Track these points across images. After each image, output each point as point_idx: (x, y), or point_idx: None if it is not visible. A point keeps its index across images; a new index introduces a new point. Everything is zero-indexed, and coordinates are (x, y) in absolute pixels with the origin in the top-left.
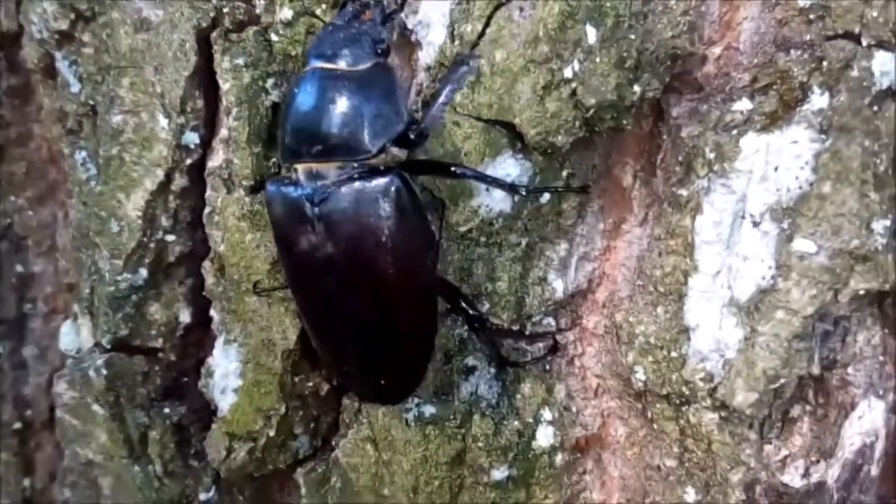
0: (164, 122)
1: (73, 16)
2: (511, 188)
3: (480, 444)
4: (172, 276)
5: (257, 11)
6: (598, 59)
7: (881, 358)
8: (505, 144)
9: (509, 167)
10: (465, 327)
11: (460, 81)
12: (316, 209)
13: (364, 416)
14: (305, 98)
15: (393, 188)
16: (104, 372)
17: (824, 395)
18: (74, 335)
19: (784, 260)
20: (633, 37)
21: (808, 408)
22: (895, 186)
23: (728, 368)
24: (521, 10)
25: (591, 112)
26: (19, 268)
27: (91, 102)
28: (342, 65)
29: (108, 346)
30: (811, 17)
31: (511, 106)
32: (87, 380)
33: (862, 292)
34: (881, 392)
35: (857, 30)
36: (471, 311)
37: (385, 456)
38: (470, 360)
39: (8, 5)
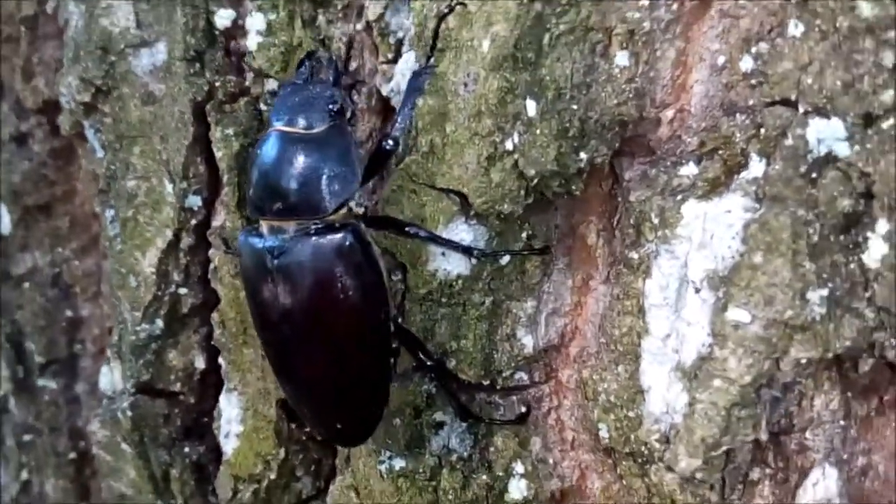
0: (169, 186)
1: (93, 89)
2: (466, 251)
3: (450, 497)
4: (187, 325)
5: (247, 83)
6: (537, 131)
7: (842, 422)
8: (457, 212)
9: (462, 233)
10: (433, 383)
11: (420, 90)
12: (275, 261)
13: (350, 464)
14: (266, 160)
15: (346, 243)
16: (129, 413)
17: (783, 459)
18: (111, 376)
19: (719, 329)
20: (575, 107)
21: (768, 471)
22: (835, 254)
23: (674, 433)
24: (466, 85)
25: (535, 181)
26: (69, 312)
27: (112, 167)
28: (299, 128)
29: (133, 390)
30: (753, 82)
31: (461, 176)
32: (116, 420)
33: (804, 361)
34: (845, 457)
35: (793, 97)
36: (429, 363)
37: None
38: (438, 416)
39: (49, 75)
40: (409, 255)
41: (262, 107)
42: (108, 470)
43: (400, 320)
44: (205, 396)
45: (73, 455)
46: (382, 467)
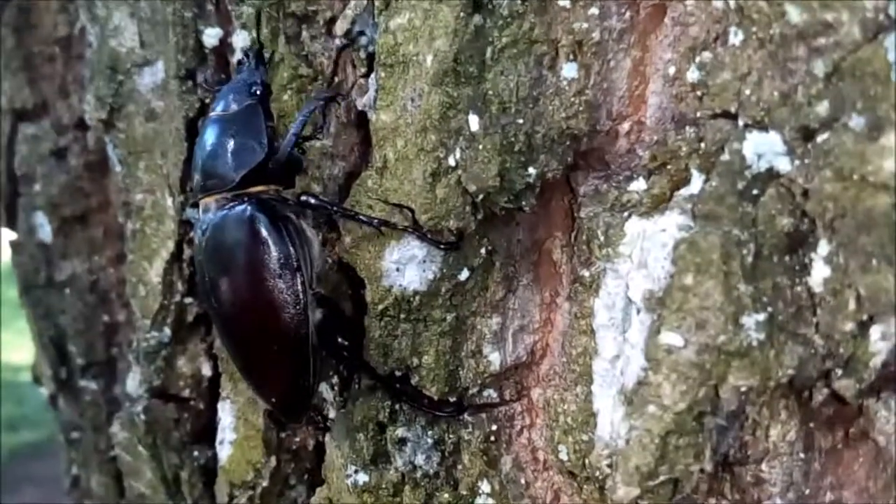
0: (170, 200)
1: (108, 107)
2: (366, 222)
3: None
4: (194, 333)
5: None
6: (480, 147)
7: (802, 455)
8: (408, 227)
9: (414, 249)
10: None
11: (308, 115)
12: (203, 237)
13: (327, 476)
14: (198, 143)
15: (246, 214)
16: (143, 417)
17: (739, 492)
18: (134, 380)
19: (653, 353)
20: (521, 121)
21: (724, 502)
22: (778, 276)
23: (615, 460)
24: (413, 100)
25: (479, 197)
26: (105, 317)
27: (126, 181)
28: (223, 110)
29: (147, 395)
30: (699, 93)
31: (410, 191)
32: (133, 423)
33: (744, 388)
34: (808, 491)
35: (734, 109)
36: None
37: None
38: (401, 432)
39: (82, 93)
40: (365, 270)
41: None
42: (129, 469)
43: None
44: (213, 402)
45: (112, 453)
46: (349, 481)
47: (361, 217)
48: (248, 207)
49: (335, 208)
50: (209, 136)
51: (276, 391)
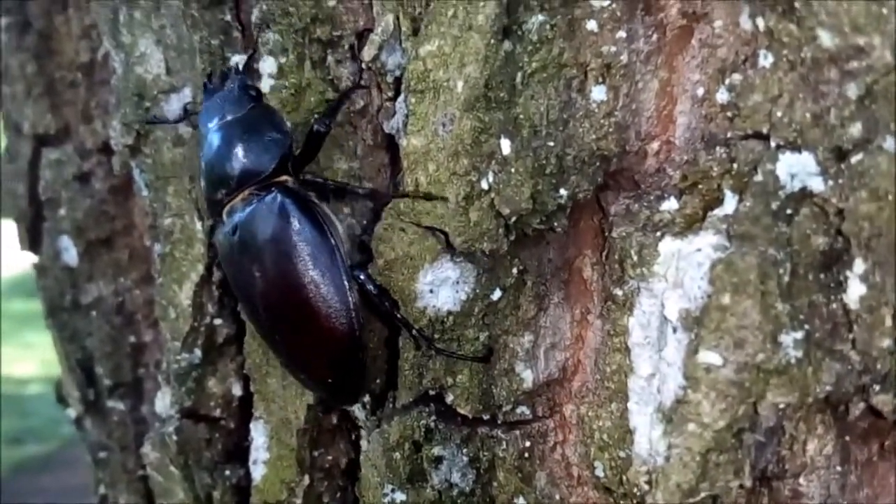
0: (199, 224)
1: (135, 133)
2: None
3: None
4: (224, 354)
5: None
6: (512, 170)
7: (839, 468)
8: (441, 250)
9: (448, 270)
10: (433, 418)
11: (349, 95)
12: (234, 238)
13: (363, 495)
14: (209, 153)
15: (278, 201)
16: (175, 437)
17: None
18: (164, 401)
19: (691, 372)
20: (552, 144)
21: None
22: (814, 294)
23: (655, 477)
24: (444, 125)
25: (512, 219)
26: (132, 338)
27: (154, 205)
28: (223, 118)
29: (178, 415)
30: (729, 114)
31: (443, 215)
32: (164, 443)
33: (783, 405)
34: (844, 503)
35: (765, 130)
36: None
37: None
38: (437, 450)
39: (105, 118)
40: (399, 291)
41: None
42: (161, 490)
43: (362, 277)
44: (244, 422)
45: (141, 472)
46: (386, 500)
47: (353, 187)
48: (277, 194)
49: (330, 183)
50: (223, 141)
51: (332, 370)
